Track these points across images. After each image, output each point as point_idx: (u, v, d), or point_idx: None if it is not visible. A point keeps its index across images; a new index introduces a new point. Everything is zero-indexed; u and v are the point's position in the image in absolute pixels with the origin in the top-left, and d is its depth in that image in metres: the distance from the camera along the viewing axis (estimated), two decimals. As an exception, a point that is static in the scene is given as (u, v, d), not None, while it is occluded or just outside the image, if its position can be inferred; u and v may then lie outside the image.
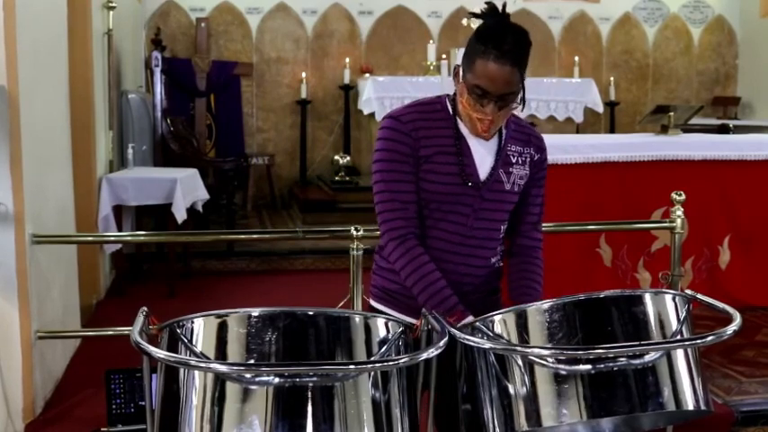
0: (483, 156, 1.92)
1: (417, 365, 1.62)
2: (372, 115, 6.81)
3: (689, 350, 1.62)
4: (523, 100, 1.90)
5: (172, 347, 1.53)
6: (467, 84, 1.83)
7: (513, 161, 1.95)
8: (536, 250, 2.04)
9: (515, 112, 1.99)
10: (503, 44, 1.78)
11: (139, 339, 1.47)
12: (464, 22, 7.46)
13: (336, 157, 7.14)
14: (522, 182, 1.97)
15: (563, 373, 1.54)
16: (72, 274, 3.69)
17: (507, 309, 1.67)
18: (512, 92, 1.83)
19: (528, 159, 1.98)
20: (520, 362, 1.58)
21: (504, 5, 1.86)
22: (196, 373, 1.46)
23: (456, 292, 1.89)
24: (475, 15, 1.88)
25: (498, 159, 1.93)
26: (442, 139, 1.90)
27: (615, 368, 1.53)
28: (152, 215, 5.29)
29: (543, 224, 2.12)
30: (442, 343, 1.49)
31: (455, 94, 1.93)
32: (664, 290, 1.74)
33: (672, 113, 4.73)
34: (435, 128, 1.90)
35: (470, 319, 1.81)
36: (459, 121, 1.92)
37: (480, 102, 1.82)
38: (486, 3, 1.87)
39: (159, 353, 1.45)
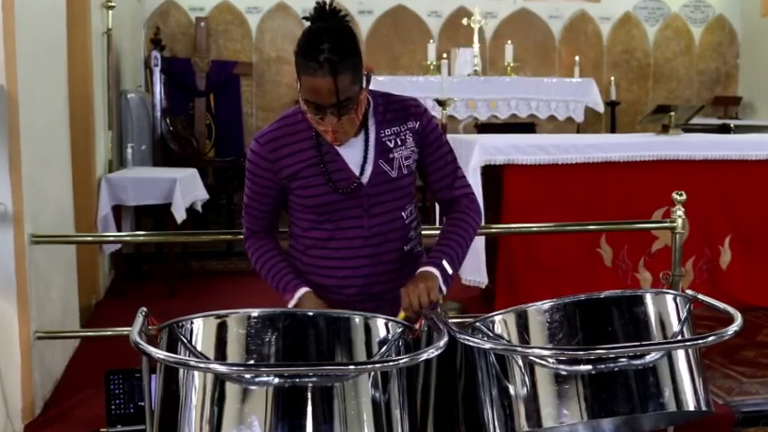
0: (353, 155, 1.88)
1: (417, 366, 1.61)
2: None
3: (690, 350, 1.61)
4: (368, 81, 1.82)
5: (171, 348, 1.53)
6: (302, 98, 1.78)
7: (392, 146, 1.89)
8: (460, 204, 1.98)
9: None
10: (318, 55, 1.69)
11: (139, 340, 1.47)
12: (464, 21, 7.47)
13: (336, 157, 7.12)
14: (409, 161, 1.91)
15: (563, 373, 1.54)
16: (71, 275, 3.69)
17: (507, 309, 1.67)
18: (346, 98, 1.73)
19: (409, 135, 1.91)
20: (520, 362, 1.58)
21: (332, 4, 1.77)
22: (195, 373, 1.46)
23: (378, 291, 1.88)
24: (305, 19, 1.81)
25: (372, 152, 1.88)
26: (304, 153, 1.87)
27: (616, 368, 1.53)
28: (151, 215, 5.28)
29: (544, 224, 2.11)
30: (442, 343, 1.48)
31: None
32: (664, 290, 1.74)
33: (672, 113, 4.73)
34: (297, 142, 1.88)
35: (304, 290, 1.86)
36: None
37: (318, 115, 1.76)
38: (316, 3, 1.78)
39: (159, 353, 1.45)
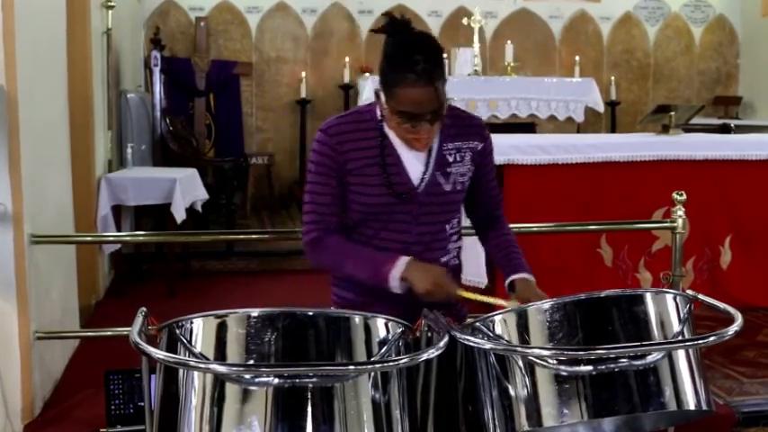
0: (415, 162, 1.90)
1: (417, 366, 1.61)
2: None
3: (690, 350, 1.61)
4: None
5: (171, 348, 1.52)
6: (392, 110, 1.80)
7: (451, 160, 1.93)
8: (504, 224, 2.08)
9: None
10: (415, 65, 1.73)
11: (138, 340, 1.46)
12: (464, 21, 7.46)
13: (336, 157, 7.12)
14: (464, 179, 1.95)
15: (564, 373, 1.54)
16: (71, 275, 3.68)
17: (507, 309, 1.67)
18: (441, 105, 1.79)
19: (468, 154, 1.95)
20: (520, 362, 1.58)
21: (392, 14, 1.82)
22: (195, 373, 1.45)
23: (411, 299, 1.86)
24: (376, 32, 1.84)
25: (432, 164, 1.91)
26: (368, 151, 1.89)
27: (616, 368, 1.53)
28: (151, 215, 5.28)
29: (544, 224, 2.14)
30: (442, 343, 1.49)
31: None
32: (665, 290, 1.74)
33: (673, 113, 4.73)
34: (362, 139, 1.89)
35: (405, 259, 1.82)
36: (386, 129, 1.89)
37: (412, 124, 1.79)
38: (384, 14, 1.82)
39: (158, 353, 1.45)
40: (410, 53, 1.75)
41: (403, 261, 1.84)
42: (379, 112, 1.91)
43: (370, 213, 1.90)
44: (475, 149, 1.96)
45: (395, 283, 1.83)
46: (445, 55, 1.89)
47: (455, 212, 1.99)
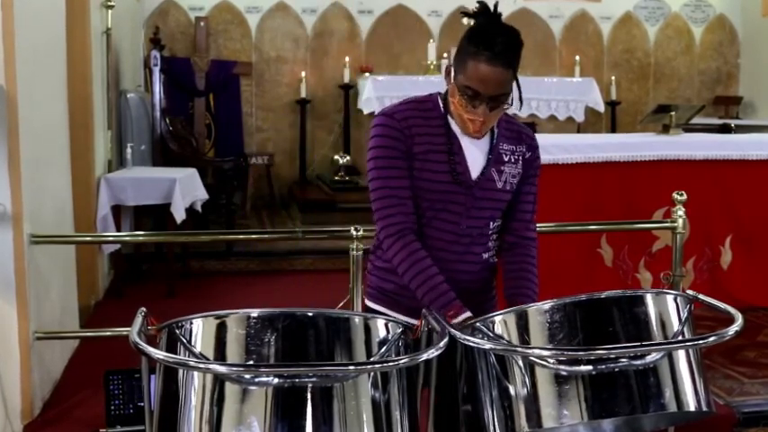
0: (475, 154, 1.93)
1: (417, 366, 1.61)
2: (372, 114, 6.80)
3: (690, 351, 1.61)
4: (520, 100, 1.89)
5: (171, 348, 1.52)
6: (458, 84, 1.83)
7: (506, 159, 1.95)
8: (530, 248, 2.03)
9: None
10: (494, 45, 1.77)
11: (138, 340, 1.46)
12: (464, 21, 7.46)
13: (336, 157, 7.13)
14: (514, 180, 1.97)
15: (564, 373, 1.54)
16: (70, 275, 3.68)
17: (508, 309, 1.67)
18: (503, 93, 1.82)
19: (520, 158, 1.98)
20: (520, 363, 1.57)
21: (496, 5, 1.85)
22: (195, 373, 1.45)
23: (454, 289, 1.88)
24: (467, 15, 1.88)
25: (490, 158, 1.93)
26: (433, 137, 1.90)
27: (616, 369, 1.53)
28: (151, 215, 5.28)
29: (544, 224, 2.13)
30: (442, 344, 1.48)
31: (447, 92, 1.93)
32: (665, 290, 1.74)
33: (673, 113, 4.72)
34: (427, 125, 1.91)
35: (468, 314, 1.80)
36: (450, 119, 1.92)
37: (472, 103, 1.82)
38: (478, 2, 1.86)
39: (158, 353, 1.44)
40: (494, 34, 1.79)
41: (464, 316, 1.78)
42: (441, 104, 1.93)
43: (427, 200, 1.90)
44: (524, 156, 1.99)
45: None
46: (445, 55, 1.89)
47: (500, 211, 1.99)
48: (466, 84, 1.81)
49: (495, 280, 2.06)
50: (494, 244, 2.02)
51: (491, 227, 1.98)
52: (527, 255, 2.01)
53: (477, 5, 1.86)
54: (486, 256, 1.99)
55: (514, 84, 1.85)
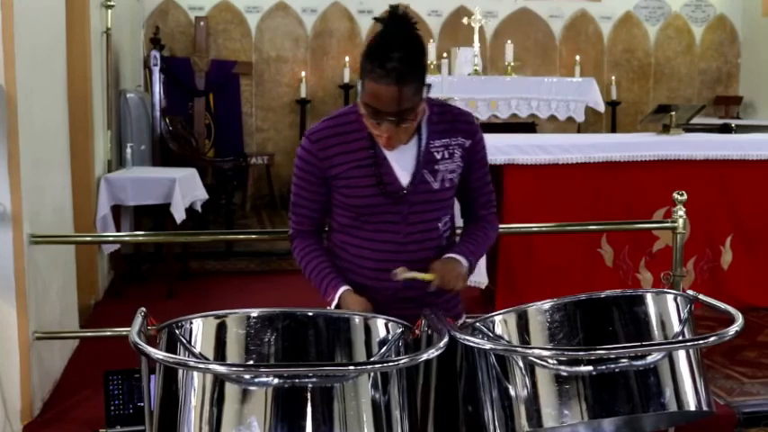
0: (402, 162, 1.89)
1: (417, 366, 1.61)
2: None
3: (691, 351, 1.61)
4: (428, 92, 1.83)
5: (170, 348, 1.52)
6: (362, 101, 1.79)
7: (439, 158, 1.91)
8: (485, 220, 2.04)
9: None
10: (386, 62, 1.71)
11: (138, 340, 1.46)
12: (464, 20, 7.46)
13: (336, 157, 7.11)
14: (453, 175, 1.93)
15: (564, 373, 1.54)
16: (70, 275, 3.68)
17: (507, 309, 1.66)
18: (406, 108, 1.76)
19: (457, 150, 1.93)
20: (521, 363, 1.57)
21: (405, 11, 1.79)
22: (195, 373, 1.45)
23: (414, 295, 1.89)
24: (377, 20, 1.82)
25: (420, 161, 1.89)
26: (356, 153, 1.88)
27: (617, 369, 1.53)
28: (151, 215, 5.26)
29: (544, 224, 2.13)
30: (442, 344, 1.48)
31: None
32: (665, 290, 1.73)
33: (673, 113, 4.72)
34: (349, 142, 1.89)
35: (344, 288, 1.88)
36: None
37: (376, 120, 1.78)
38: (389, 6, 1.80)
39: (158, 354, 1.44)
40: (387, 49, 1.72)
41: (339, 292, 1.89)
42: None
43: (362, 215, 1.90)
44: (463, 146, 1.93)
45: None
46: (444, 55, 1.87)
47: (446, 210, 1.97)
48: (365, 101, 1.77)
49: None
50: (448, 243, 2.00)
51: (440, 227, 1.96)
52: (480, 224, 2.03)
53: (388, 10, 1.79)
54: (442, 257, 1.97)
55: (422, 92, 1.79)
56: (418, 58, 1.76)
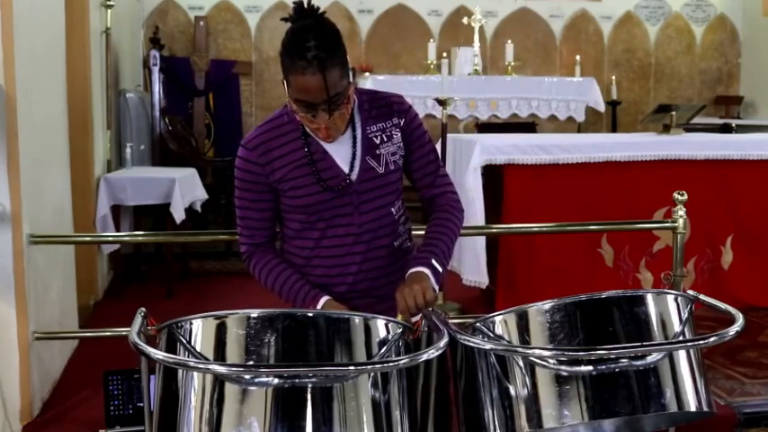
0: (341, 153, 1.88)
1: (417, 367, 1.60)
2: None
3: (691, 351, 1.61)
4: (353, 75, 1.82)
5: (170, 348, 1.52)
6: (291, 98, 1.77)
7: (378, 142, 1.90)
8: (444, 196, 1.99)
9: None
10: (306, 53, 1.69)
11: (137, 340, 1.46)
12: (464, 20, 7.46)
13: (336, 157, 7.11)
14: (395, 157, 1.92)
15: (564, 374, 1.53)
16: (69, 275, 3.68)
17: (508, 309, 1.66)
18: (336, 93, 1.74)
19: (394, 132, 1.92)
20: (521, 363, 1.57)
21: (301, 2, 1.77)
22: (195, 374, 1.45)
23: (369, 288, 1.89)
24: (285, 20, 1.80)
25: (360, 149, 1.88)
26: (293, 153, 1.87)
27: (617, 369, 1.52)
28: (150, 215, 5.27)
29: (545, 224, 2.11)
30: (442, 344, 1.48)
31: None
32: (666, 290, 1.73)
33: (674, 113, 4.72)
34: (285, 143, 1.88)
35: (325, 298, 1.85)
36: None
37: (310, 113, 1.76)
38: (294, 3, 1.78)
39: (157, 354, 1.44)
40: (303, 40, 1.71)
41: (321, 303, 1.85)
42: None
43: (312, 214, 1.89)
44: (399, 126, 1.93)
45: None
46: (445, 54, 1.87)
47: (396, 194, 1.95)
48: (295, 97, 1.75)
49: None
50: (404, 228, 1.99)
51: (394, 212, 1.94)
52: (441, 210, 1.97)
53: (293, 7, 1.78)
54: (397, 243, 1.96)
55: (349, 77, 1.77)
56: (335, 41, 1.76)
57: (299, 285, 1.90)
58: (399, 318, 1.77)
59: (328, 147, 1.87)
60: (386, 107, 1.93)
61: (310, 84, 1.71)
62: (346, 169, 1.87)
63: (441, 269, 1.87)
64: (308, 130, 1.86)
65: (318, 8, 1.78)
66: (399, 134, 1.92)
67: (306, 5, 1.76)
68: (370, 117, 1.91)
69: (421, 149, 1.96)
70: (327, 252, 1.90)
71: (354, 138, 1.89)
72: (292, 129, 1.88)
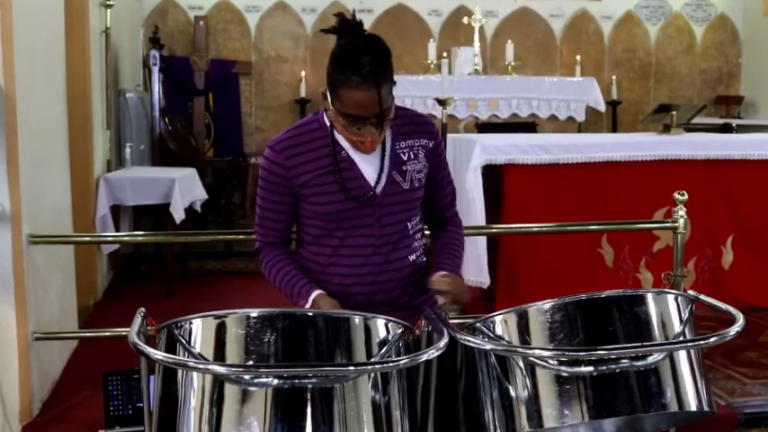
0: (370, 164, 1.90)
1: (417, 367, 1.60)
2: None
3: (692, 351, 1.61)
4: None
5: (170, 349, 1.52)
6: (337, 111, 1.80)
7: (405, 158, 1.93)
8: (454, 223, 2.10)
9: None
10: (361, 68, 1.73)
11: (137, 340, 1.46)
12: (464, 20, 7.45)
13: (336, 157, 7.10)
14: (420, 175, 1.95)
15: (565, 374, 1.53)
16: (69, 275, 3.67)
17: (508, 309, 1.66)
18: (385, 109, 1.78)
19: (421, 151, 1.96)
20: (521, 363, 1.57)
21: (354, 15, 1.82)
22: (194, 374, 1.45)
23: (384, 299, 1.90)
24: (326, 32, 1.84)
25: (387, 163, 1.91)
26: (320, 161, 1.89)
27: (617, 369, 1.53)
28: (150, 215, 5.27)
29: (545, 224, 2.13)
30: (442, 344, 1.48)
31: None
32: (666, 290, 1.73)
33: (674, 112, 4.72)
34: (312, 150, 1.90)
35: (317, 292, 1.87)
36: (337, 135, 1.89)
37: (356, 126, 1.79)
38: (336, 15, 1.82)
39: (157, 354, 1.44)
40: (357, 55, 1.74)
41: (313, 296, 1.89)
42: (327, 119, 1.90)
43: (332, 222, 1.90)
44: (426, 147, 1.96)
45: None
46: (445, 54, 1.88)
47: (415, 210, 1.98)
48: (344, 111, 1.78)
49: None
50: (419, 243, 2.02)
51: (410, 228, 1.97)
52: (450, 230, 2.08)
53: (337, 20, 1.81)
54: (412, 258, 1.98)
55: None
56: (387, 57, 1.79)
57: (295, 279, 1.92)
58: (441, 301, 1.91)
59: (356, 157, 1.89)
60: (415, 125, 1.97)
61: (364, 99, 1.74)
62: (372, 181, 1.89)
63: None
64: (338, 138, 1.88)
65: (361, 23, 1.83)
66: (424, 154, 1.96)
67: (351, 19, 1.81)
68: (400, 133, 1.94)
69: (442, 172, 2.03)
70: (345, 261, 1.92)
71: (384, 151, 1.91)
72: (322, 135, 1.90)
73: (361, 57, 1.73)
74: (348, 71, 1.73)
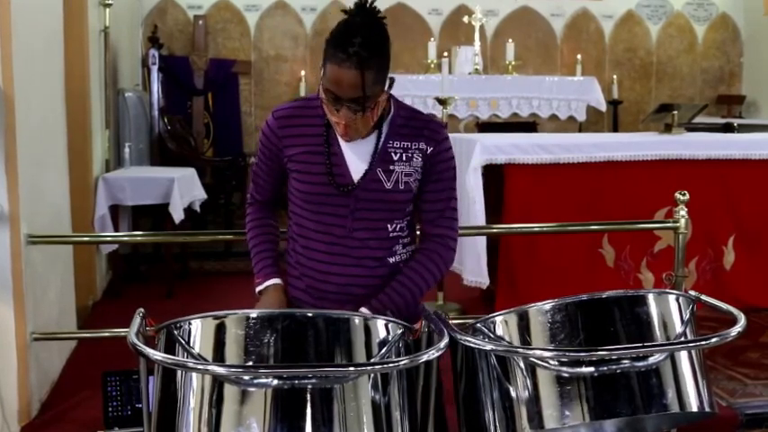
0: (356, 156, 1.87)
1: (417, 367, 1.59)
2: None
3: (693, 352, 1.60)
4: (390, 86, 1.81)
5: (169, 349, 1.51)
6: (323, 86, 1.78)
7: (395, 158, 1.88)
8: (439, 239, 1.93)
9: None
10: (348, 46, 1.70)
11: (136, 341, 1.45)
12: (465, 19, 7.45)
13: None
14: (409, 179, 1.89)
15: (565, 374, 1.53)
16: (68, 275, 3.67)
17: (508, 310, 1.65)
18: (364, 96, 1.74)
19: (416, 155, 1.89)
20: (521, 364, 1.56)
21: (372, 1, 1.78)
22: (194, 375, 1.44)
23: (359, 294, 1.86)
24: (345, 12, 1.81)
25: (374, 159, 1.87)
26: (311, 138, 1.88)
27: (618, 370, 1.52)
28: (149, 215, 5.26)
29: (545, 224, 2.10)
30: (442, 345, 1.47)
31: None
32: (667, 291, 1.72)
33: (675, 112, 4.71)
34: (306, 125, 1.89)
35: (273, 280, 1.91)
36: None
37: (334, 106, 1.77)
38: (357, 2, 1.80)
39: (156, 354, 1.43)
40: (350, 34, 1.72)
41: (268, 282, 1.93)
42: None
43: (310, 203, 1.89)
44: (424, 152, 1.90)
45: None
46: (445, 53, 1.86)
47: (399, 213, 1.91)
48: (326, 86, 1.76)
49: None
50: (404, 249, 1.94)
51: (390, 230, 1.90)
52: (424, 252, 1.92)
53: (356, 3, 1.79)
54: (393, 260, 1.91)
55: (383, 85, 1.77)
56: (381, 45, 1.76)
57: (262, 254, 1.99)
58: None
59: (346, 146, 1.87)
60: (418, 128, 1.91)
61: (344, 78, 1.72)
62: (355, 173, 1.87)
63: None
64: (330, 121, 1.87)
65: (379, 11, 1.80)
66: (421, 160, 1.89)
67: (367, 4, 1.78)
68: (398, 133, 1.89)
69: (436, 184, 1.92)
70: (319, 246, 1.90)
71: (376, 147, 1.88)
72: (318, 114, 1.88)
73: (353, 36, 1.71)
74: (337, 47, 1.72)
